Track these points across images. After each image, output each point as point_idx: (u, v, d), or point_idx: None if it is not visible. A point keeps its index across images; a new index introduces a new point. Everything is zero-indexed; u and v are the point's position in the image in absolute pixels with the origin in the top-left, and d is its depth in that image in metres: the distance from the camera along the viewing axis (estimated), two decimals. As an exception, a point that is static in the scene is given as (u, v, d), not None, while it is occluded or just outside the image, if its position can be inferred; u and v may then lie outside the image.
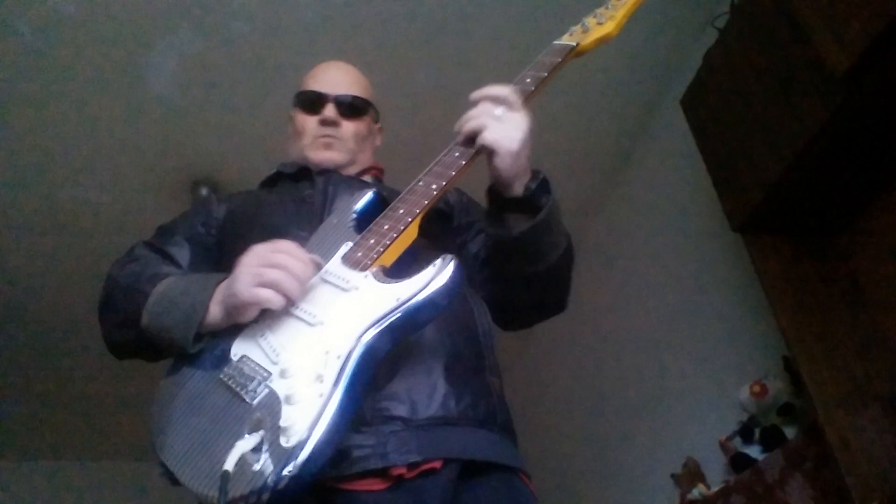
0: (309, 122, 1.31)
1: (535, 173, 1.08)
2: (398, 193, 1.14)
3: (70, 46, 2.27)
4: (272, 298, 0.88)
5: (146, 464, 4.24)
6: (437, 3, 2.33)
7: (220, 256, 1.17)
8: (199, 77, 2.45)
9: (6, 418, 4.06)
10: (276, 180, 1.32)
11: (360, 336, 0.83)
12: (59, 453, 4.49)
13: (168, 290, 0.98)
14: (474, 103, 1.06)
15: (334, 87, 1.32)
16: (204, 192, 2.81)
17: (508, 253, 1.09)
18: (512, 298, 1.16)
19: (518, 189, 1.05)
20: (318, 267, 0.94)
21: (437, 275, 0.87)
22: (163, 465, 0.84)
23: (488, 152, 1.02)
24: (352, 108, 1.32)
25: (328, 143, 1.29)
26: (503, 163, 1.02)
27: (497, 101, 1.04)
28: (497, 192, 1.07)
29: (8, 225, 2.88)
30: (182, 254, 1.16)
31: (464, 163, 1.03)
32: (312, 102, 1.31)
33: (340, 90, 1.32)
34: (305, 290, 0.91)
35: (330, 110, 1.30)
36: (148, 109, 2.52)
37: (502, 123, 1.02)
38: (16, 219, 2.86)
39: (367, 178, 1.34)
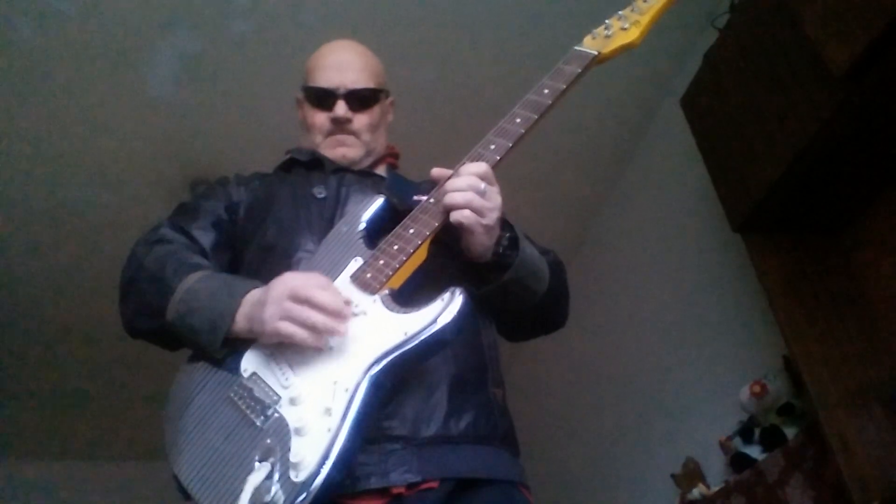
0: (319, 118, 1.28)
1: (503, 226, 1.06)
2: (411, 186, 1.13)
3: (70, 46, 2.27)
4: (296, 334, 0.87)
5: (146, 464, 4.23)
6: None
7: (236, 246, 1.17)
8: (198, 76, 2.45)
9: (6, 418, 4.06)
10: (289, 166, 1.30)
11: (368, 370, 0.84)
12: (59, 453, 4.49)
13: (196, 290, 0.98)
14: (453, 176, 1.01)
15: (343, 78, 1.27)
16: (201, 191, 2.81)
17: (490, 303, 1.09)
18: (511, 324, 1.18)
19: (487, 255, 1.04)
20: (349, 307, 0.91)
21: (445, 309, 0.87)
22: (176, 479, 0.86)
23: (465, 231, 0.99)
24: (363, 100, 1.28)
25: (342, 141, 1.27)
26: (477, 241, 1.00)
27: (481, 177, 1.00)
28: (467, 257, 1.05)
29: (8, 224, 2.88)
30: (206, 239, 1.15)
31: None
32: (322, 99, 1.28)
33: (349, 82, 1.27)
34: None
35: (340, 108, 1.26)
36: (147, 108, 2.52)
37: (484, 201, 0.98)
38: (16, 218, 2.86)
39: (382, 168, 1.33)
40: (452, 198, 0.98)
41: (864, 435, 1.65)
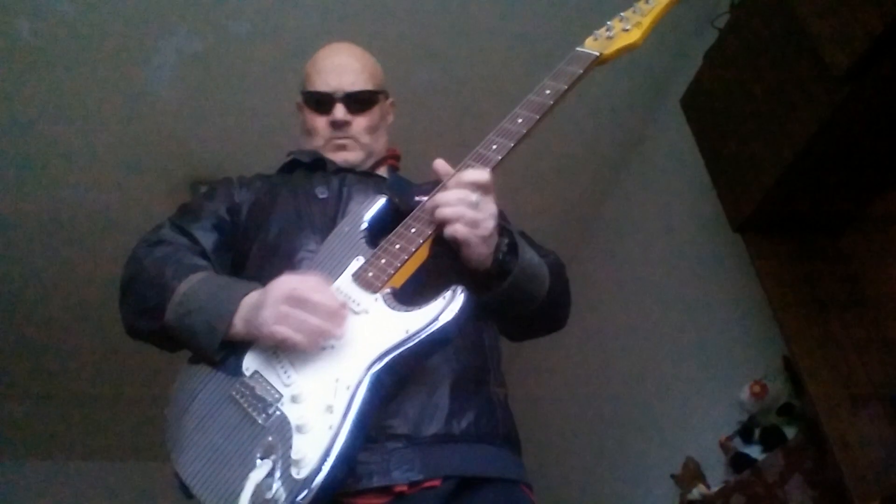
0: (319, 123, 1.29)
1: (501, 232, 1.04)
2: (413, 187, 1.14)
3: (70, 46, 2.27)
4: (292, 338, 0.88)
5: (146, 464, 4.23)
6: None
7: (238, 247, 1.17)
8: (198, 76, 2.45)
9: (6, 418, 4.06)
10: (291, 167, 1.30)
11: (369, 367, 0.85)
12: (59, 453, 4.49)
13: (194, 292, 0.98)
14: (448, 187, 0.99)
15: (340, 81, 1.27)
16: (203, 191, 2.81)
17: (491, 309, 1.08)
18: (513, 326, 1.18)
19: (487, 263, 1.02)
20: (345, 309, 0.91)
21: (446, 308, 0.87)
22: (178, 477, 0.86)
23: (461, 244, 0.97)
24: (360, 102, 1.28)
25: (342, 145, 1.27)
26: (474, 252, 0.98)
27: (475, 187, 0.98)
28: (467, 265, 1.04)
29: (7, 225, 2.88)
30: (208, 240, 1.15)
31: None
32: (320, 103, 1.28)
33: (346, 85, 1.27)
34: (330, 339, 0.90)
35: (339, 111, 1.26)
36: (147, 109, 2.52)
37: (476, 212, 0.96)
38: (15, 219, 2.86)
39: (383, 169, 1.33)
40: (442, 213, 0.96)
41: (864, 435, 1.64)
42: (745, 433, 2.11)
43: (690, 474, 2.36)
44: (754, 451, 2.07)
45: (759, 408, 2.02)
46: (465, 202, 0.96)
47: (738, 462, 2.10)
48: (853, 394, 1.70)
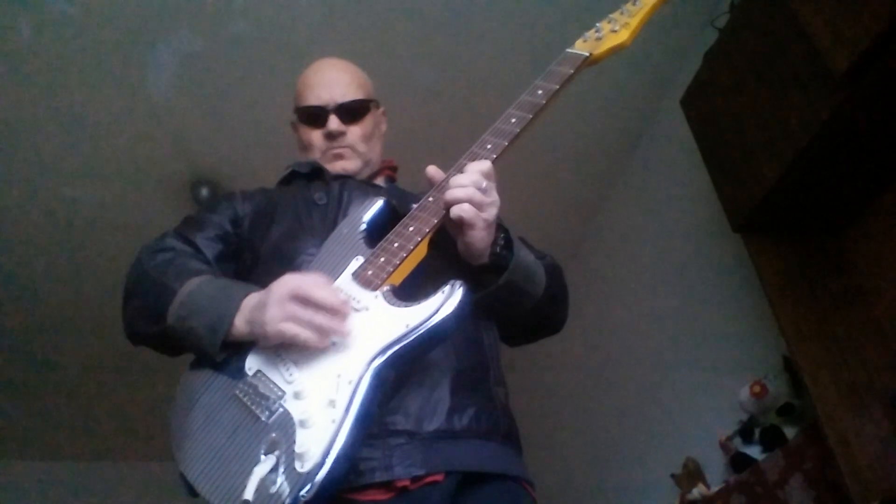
0: (315, 136, 1.31)
1: (498, 229, 1.07)
2: (409, 196, 1.15)
3: (70, 46, 2.27)
4: (300, 335, 0.88)
5: (146, 464, 4.24)
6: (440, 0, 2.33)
7: (242, 257, 1.19)
8: (199, 77, 2.45)
9: (6, 418, 4.06)
10: (290, 178, 1.32)
11: (371, 362, 0.86)
12: (59, 453, 4.49)
13: (196, 293, 0.99)
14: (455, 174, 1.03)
15: (332, 94, 1.31)
16: (204, 192, 2.82)
17: (487, 308, 1.09)
18: (510, 328, 1.19)
19: (484, 257, 1.04)
20: (348, 305, 0.92)
21: (446, 302, 0.88)
22: (183, 477, 0.87)
23: (465, 226, 1.00)
24: (353, 112, 1.31)
25: (339, 154, 1.29)
26: (475, 237, 1.01)
27: (483, 175, 1.01)
28: (465, 258, 1.06)
29: (8, 225, 2.89)
30: (211, 249, 1.16)
31: None
32: (314, 117, 1.31)
33: (338, 96, 1.30)
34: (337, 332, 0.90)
35: (333, 122, 1.29)
36: (148, 109, 2.52)
37: (484, 196, 1.00)
38: (16, 219, 2.86)
39: (380, 179, 1.35)
40: (454, 193, 0.99)
41: (864, 435, 1.64)
42: (745, 433, 2.12)
43: (690, 474, 2.36)
44: (754, 451, 2.08)
45: (759, 408, 2.02)
46: (476, 185, 1.00)
47: (738, 462, 2.10)
48: (853, 394, 1.70)
